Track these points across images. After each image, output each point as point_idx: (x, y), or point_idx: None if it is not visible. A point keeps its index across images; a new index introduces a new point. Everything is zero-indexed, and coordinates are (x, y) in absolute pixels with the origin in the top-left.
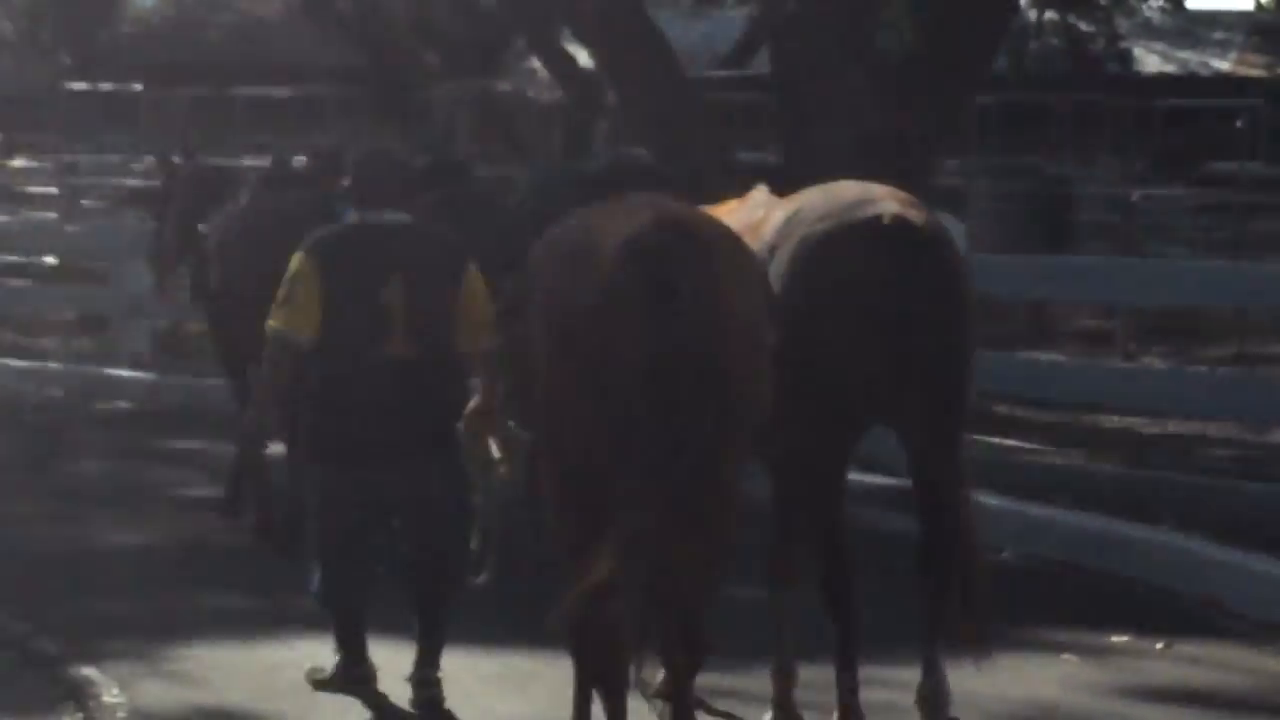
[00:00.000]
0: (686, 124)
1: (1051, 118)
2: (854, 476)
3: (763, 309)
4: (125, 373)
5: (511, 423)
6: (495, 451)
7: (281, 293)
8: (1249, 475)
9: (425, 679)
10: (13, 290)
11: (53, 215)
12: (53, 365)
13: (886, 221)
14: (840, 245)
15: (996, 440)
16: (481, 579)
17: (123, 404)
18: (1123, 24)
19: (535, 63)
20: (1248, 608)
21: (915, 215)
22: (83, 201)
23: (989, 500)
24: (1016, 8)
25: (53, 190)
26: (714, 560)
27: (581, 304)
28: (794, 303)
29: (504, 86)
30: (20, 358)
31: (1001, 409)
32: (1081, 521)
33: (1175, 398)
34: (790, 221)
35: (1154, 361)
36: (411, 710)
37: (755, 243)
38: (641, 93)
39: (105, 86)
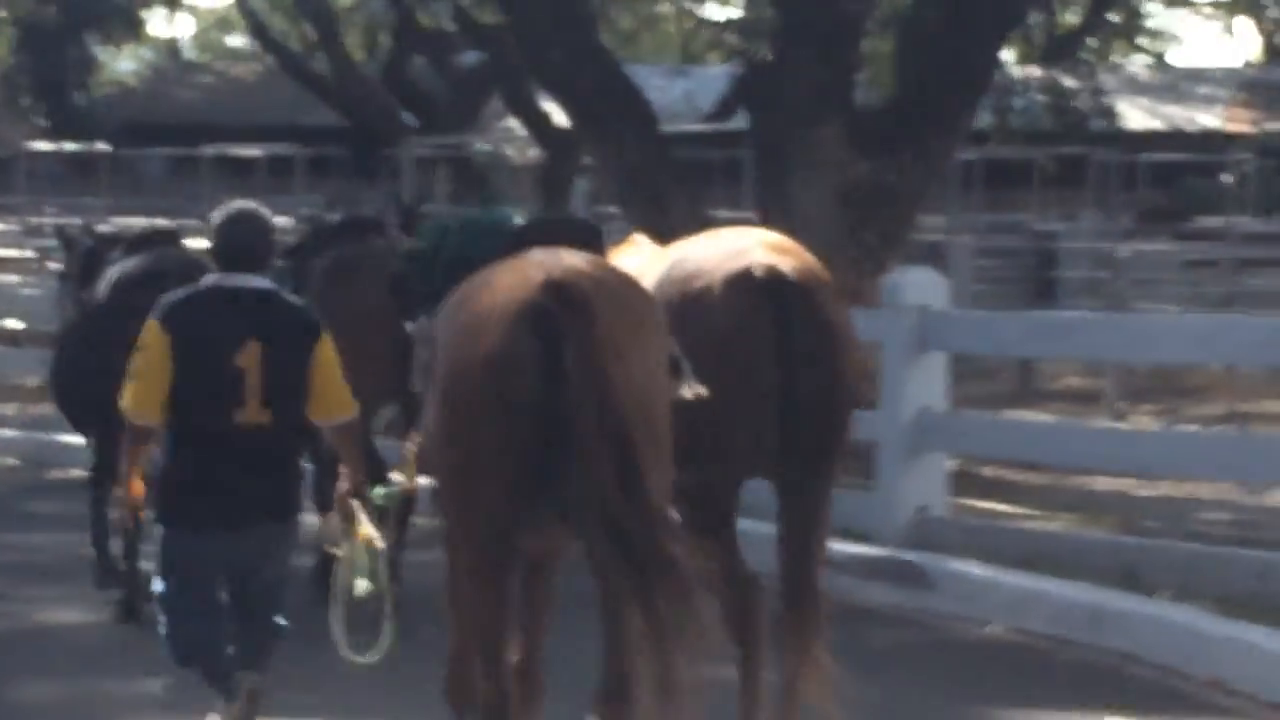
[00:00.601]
0: (661, 180)
1: (1036, 173)
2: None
3: (660, 360)
4: (81, 440)
5: (379, 489)
6: (370, 530)
7: (133, 365)
8: (1247, 541)
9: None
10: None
11: (15, 278)
12: (7, 432)
13: (758, 274)
14: (713, 299)
15: (983, 504)
16: (372, 657)
17: (78, 472)
18: (1108, 79)
19: (513, 121)
20: (1254, 687)
21: (788, 264)
22: (49, 264)
23: (974, 570)
24: (999, 62)
25: (23, 253)
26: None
27: (472, 372)
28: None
29: (481, 145)
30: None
31: (987, 471)
32: (1073, 593)
33: (1167, 459)
34: (669, 274)
35: (1144, 421)
36: None
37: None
38: (616, 149)
39: (69, 146)
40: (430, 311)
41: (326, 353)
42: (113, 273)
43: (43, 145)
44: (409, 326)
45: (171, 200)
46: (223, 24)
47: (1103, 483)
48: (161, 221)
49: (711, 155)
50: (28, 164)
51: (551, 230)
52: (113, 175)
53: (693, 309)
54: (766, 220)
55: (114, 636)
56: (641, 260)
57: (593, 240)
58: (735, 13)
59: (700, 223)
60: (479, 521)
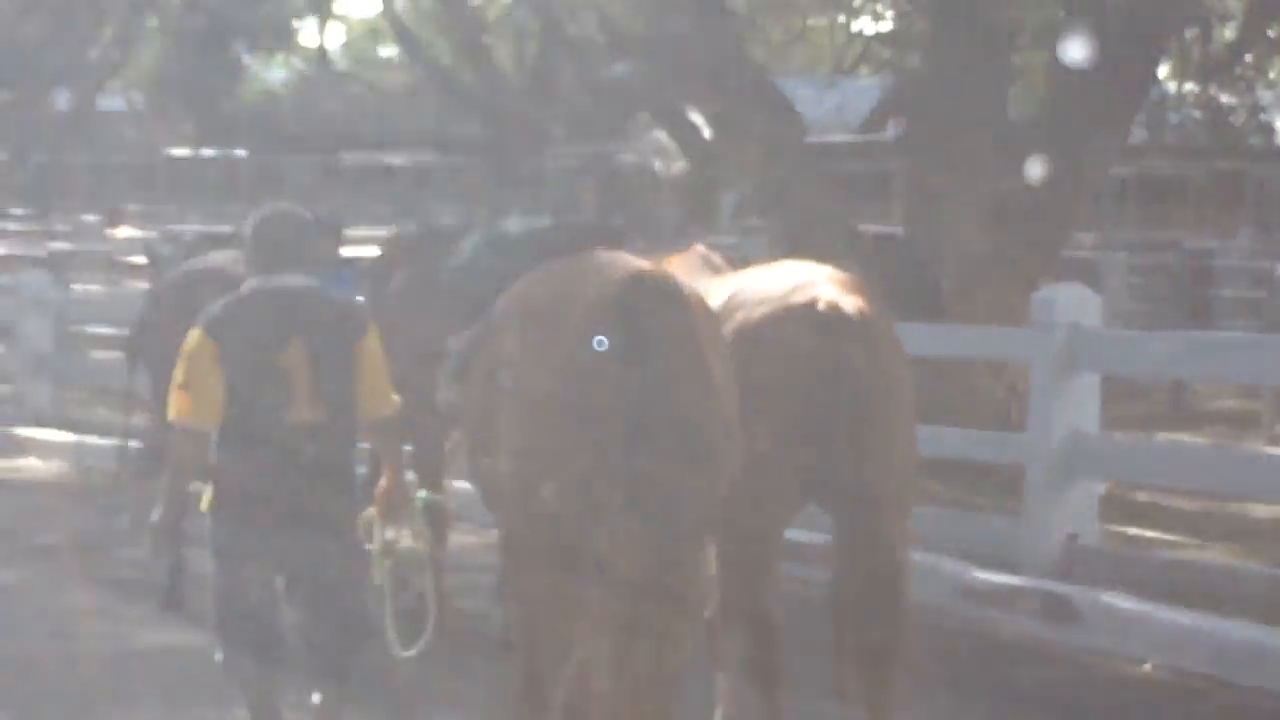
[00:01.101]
0: (807, 192)
1: (1191, 190)
2: None
3: (730, 368)
4: None
5: (424, 492)
6: (409, 532)
7: (180, 375)
8: None
9: (325, 700)
10: (104, 362)
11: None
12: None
13: (820, 308)
14: (775, 330)
15: (1134, 531)
16: (412, 651)
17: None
18: (1265, 95)
19: (660, 133)
20: None
21: (849, 301)
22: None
23: (1126, 603)
24: (1155, 78)
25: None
26: (685, 625)
27: (557, 360)
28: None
29: (627, 156)
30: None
31: (1140, 497)
32: (1232, 629)
33: None
34: (730, 302)
35: None
36: None
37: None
38: (761, 160)
39: (208, 152)
40: (469, 325)
41: (372, 347)
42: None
43: (181, 151)
44: (451, 341)
45: (310, 208)
46: (374, 34)
47: (1260, 510)
48: (222, 228)
49: (861, 168)
50: (169, 170)
51: (580, 234)
52: (257, 183)
53: (753, 337)
54: (913, 234)
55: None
56: (698, 278)
57: (618, 244)
58: (887, 25)
59: (846, 235)
60: (559, 522)
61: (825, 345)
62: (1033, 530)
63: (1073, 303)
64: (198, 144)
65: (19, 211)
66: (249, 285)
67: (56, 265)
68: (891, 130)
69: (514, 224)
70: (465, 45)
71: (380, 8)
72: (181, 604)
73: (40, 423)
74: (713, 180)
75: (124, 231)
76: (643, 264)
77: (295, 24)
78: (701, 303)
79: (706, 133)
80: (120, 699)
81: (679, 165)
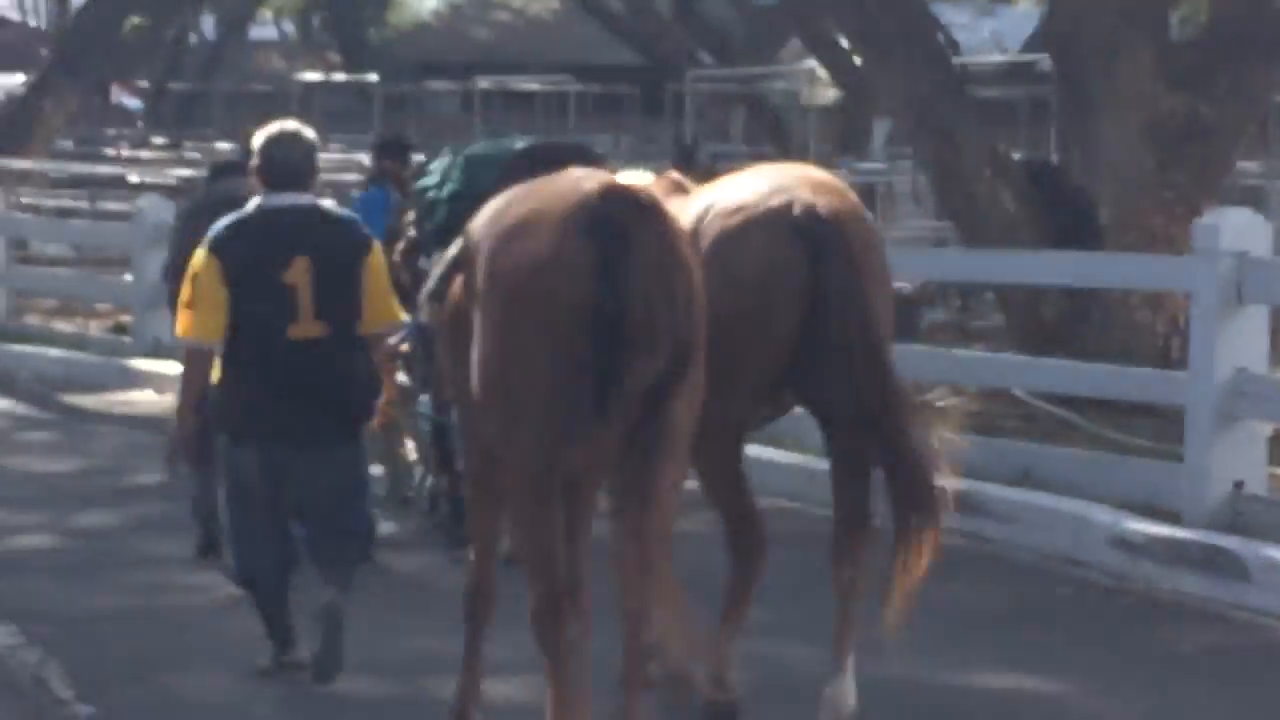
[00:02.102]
0: (954, 114)
1: None
2: None
3: (701, 286)
4: None
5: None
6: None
7: (185, 293)
8: None
9: (330, 602)
10: None
11: None
12: None
13: (795, 211)
14: (751, 237)
15: None
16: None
17: None
18: None
19: (812, 61)
20: None
21: (824, 202)
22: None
23: None
24: None
25: None
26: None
27: (530, 264)
28: (717, 289)
29: (777, 84)
30: None
31: None
32: None
33: None
34: (707, 211)
35: None
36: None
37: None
38: (906, 81)
39: (339, 78)
40: (442, 246)
41: (376, 263)
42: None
43: (314, 76)
44: (422, 261)
45: (447, 135)
46: None
47: None
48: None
49: (1017, 95)
50: (305, 97)
51: (553, 153)
52: (390, 109)
53: (731, 243)
54: (1068, 160)
55: None
56: (673, 195)
57: (595, 164)
58: None
59: (995, 160)
60: (532, 428)
61: (802, 246)
62: (1194, 477)
63: (1240, 229)
64: (344, 72)
65: (158, 140)
66: (254, 204)
67: (182, 193)
68: (1048, 56)
69: (486, 146)
70: None
71: None
72: (218, 548)
73: (157, 354)
74: (864, 109)
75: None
76: (613, 177)
77: None
78: (671, 215)
79: (858, 59)
80: (179, 659)
81: (830, 93)
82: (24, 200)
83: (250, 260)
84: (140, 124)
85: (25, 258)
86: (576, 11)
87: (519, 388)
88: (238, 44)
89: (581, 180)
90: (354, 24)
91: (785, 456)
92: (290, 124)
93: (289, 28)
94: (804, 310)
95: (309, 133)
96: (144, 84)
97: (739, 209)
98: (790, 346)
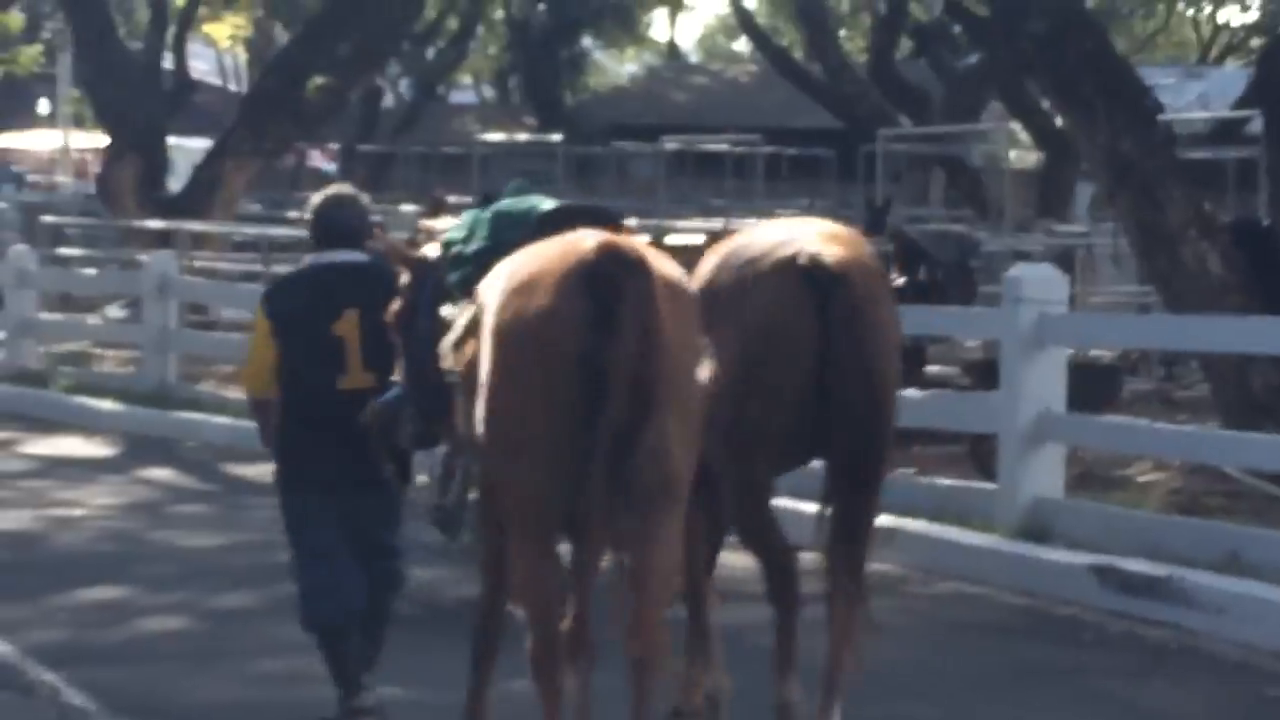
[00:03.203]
0: (1157, 173)
1: None
2: None
3: (696, 340)
4: None
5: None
6: None
7: (249, 351)
8: None
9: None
10: None
11: None
12: None
13: (801, 261)
14: (760, 282)
15: None
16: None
17: None
18: None
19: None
20: None
21: (831, 252)
22: None
23: None
24: None
25: None
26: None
27: (529, 318)
28: (728, 340)
29: (978, 147)
30: None
31: None
32: None
33: None
34: (726, 259)
35: None
36: None
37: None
38: (1109, 139)
39: (521, 138)
40: (466, 297)
41: None
42: None
43: (497, 137)
44: (446, 309)
45: (639, 197)
46: (728, 29)
47: None
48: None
49: (1225, 156)
50: (487, 159)
51: (575, 216)
52: (590, 173)
53: (741, 292)
54: (1278, 220)
55: None
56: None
57: (613, 226)
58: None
59: (1202, 221)
60: (530, 472)
61: (807, 295)
62: None
63: None
64: (544, 135)
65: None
66: (307, 261)
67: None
68: (1259, 114)
69: (512, 204)
70: (814, 34)
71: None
72: None
73: None
74: (1065, 172)
75: (443, 221)
76: (613, 237)
77: (644, 19)
78: (666, 273)
79: (1059, 121)
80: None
81: (1031, 156)
82: (199, 264)
83: (301, 315)
84: None
85: (203, 322)
86: (774, 75)
87: (518, 434)
88: (435, 108)
89: (581, 240)
90: (550, 88)
91: (969, 537)
92: (344, 189)
93: (489, 92)
94: (812, 358)
95: (359, 197)
96: (335, 146)
97: (749, 260)
98: (802, 395)
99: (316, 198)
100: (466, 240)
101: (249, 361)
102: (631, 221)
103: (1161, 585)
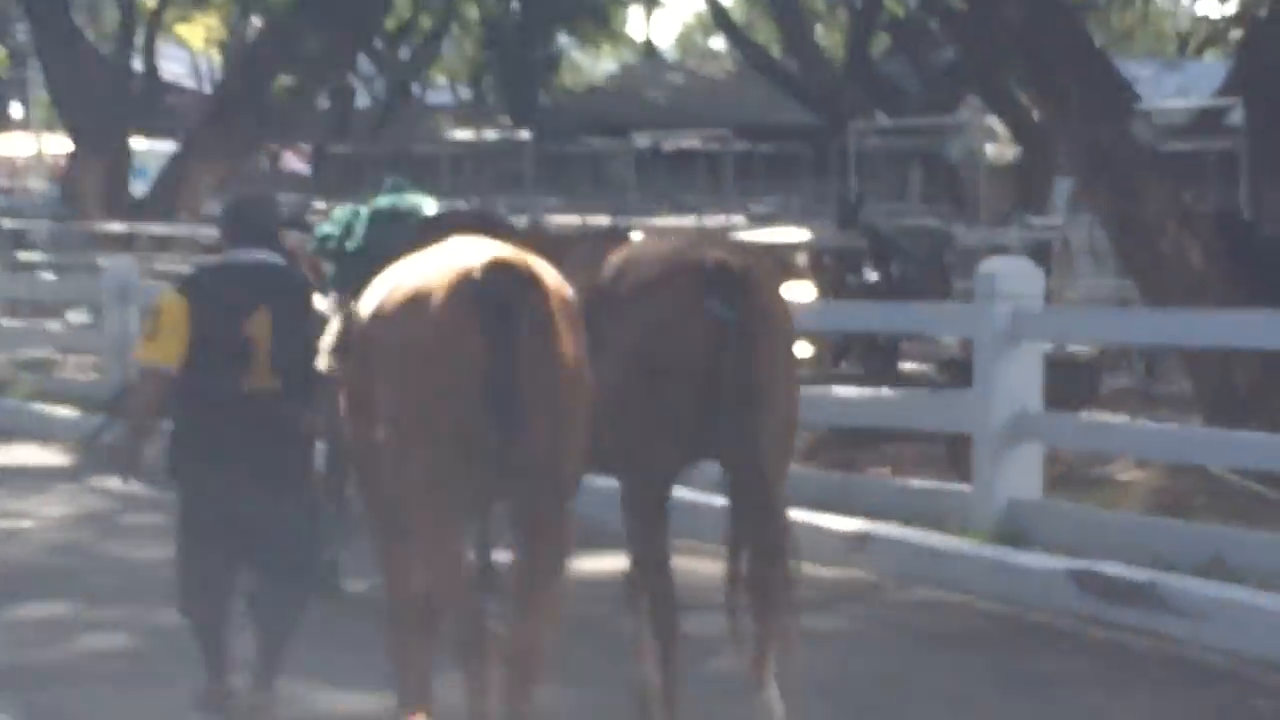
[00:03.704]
0: (1133, 165)
1: None
2: None
3: (582, 347)
4: None
5: None
6: None
7: (148, 327)
8: None
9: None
10: None
11: None
12: None
13: (707, 265)
14: (662, 285)
15: None
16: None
17: None
18: None
19: (991, 119)
20: None
21: (735, 260)
22: None
23: None
24: None
25: None
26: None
27: (418, 339)
28: (626, 342)
29: (955, 141)
30: None
31: None
32: None
33: None
34: (625, 263)
35: None
36: None
37: (589, 283)
38: (1084, 130)
39: (490, 136)
40: (340, 291)
41: (317, 314)
42: None
43: (464, 135)
44: (321, 301)
45: (611, 194)
46: (706, 27)
47: None
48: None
49: (1204, 147)
50: (458, 157)
51: (460, 221)
52: (562, 171)
53: (642, 293)
54: (1260, 214)
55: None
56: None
57: (501, 233)
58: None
59: (1181, 213)
60: (437, 484)
61: (707, 299)
62: None
63: None
64: (513, 133)
65: (319, 204)
66: (222, 256)
67: None
68: (1237, 110)
69: (391, 201)
70: (790, 30)
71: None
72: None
73: None
74: (1043, 166)
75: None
76: (502, 248)
77: (620, 17)
78: (552, 280)
79: (1036, 115)
80: None
81: (1009, 151)
82: (161, 268)
83: (216, 306)
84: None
85: None
86: (751, 72)
87: (420, 455)
88: (410, 108)
89: (465, 254)
90: (525, 87)
91: (943, 541)
92: (257, 189)
93: (466, 93)
94: (710, 356)
95: (273, 197)
96: (307, 147)
97: (655, 260)
98: (696, 393)
99: (230, 197)
100: (341, 238)
101: (155, 331)
102: (608, 220)
103: (1143, 590)
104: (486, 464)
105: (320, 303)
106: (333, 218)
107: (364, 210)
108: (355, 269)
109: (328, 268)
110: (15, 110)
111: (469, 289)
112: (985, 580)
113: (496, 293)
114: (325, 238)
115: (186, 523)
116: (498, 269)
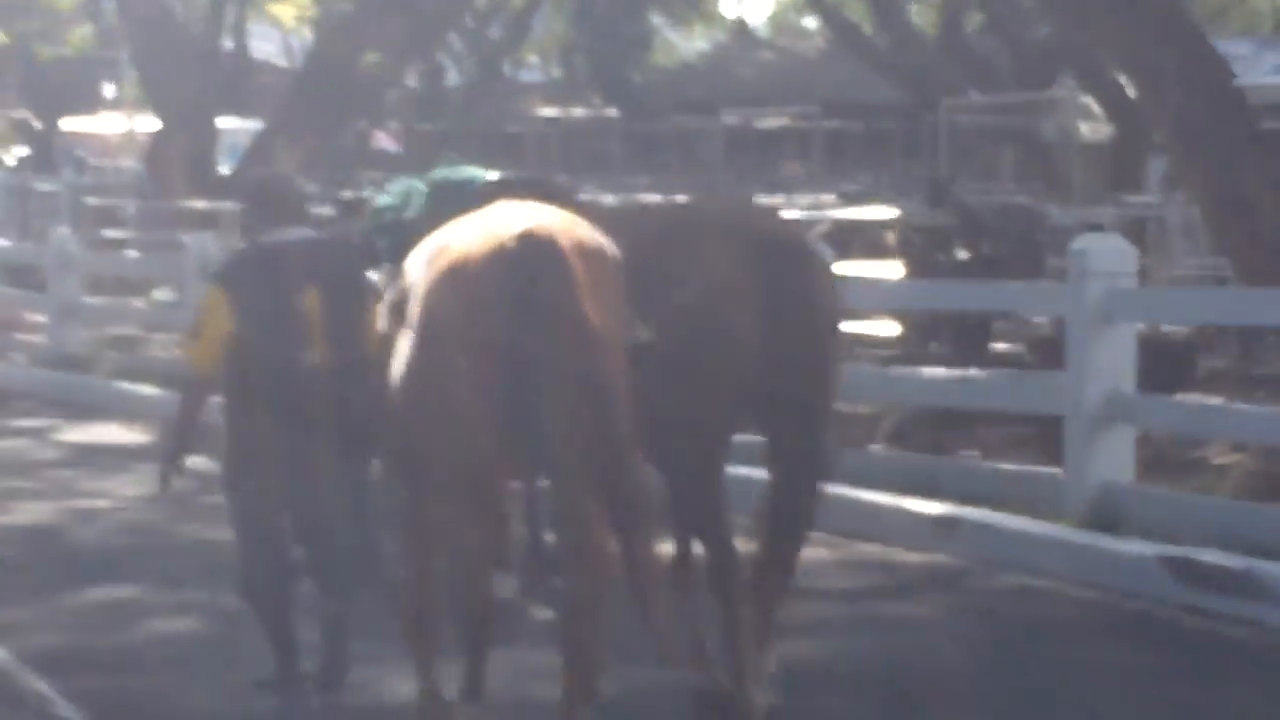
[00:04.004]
0: (1229, 144)
1: None
2: None
3: (620, 312)
4: None
5: None
6: None
7: (194, 324)
8: None
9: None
10: None
11: None
12: None
13: (514, 238)
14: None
15: None
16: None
17: None
18: None
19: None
20: None
21: (544, 230)
22: None
23: None
24: None
25: None
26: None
27: (450, 304)
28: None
29: (1049, 120)
30: None
31: None
32: None
33: None
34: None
35: None
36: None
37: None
38: (1178, 109)
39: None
40: (395, 264)
41: (371, 289)
42: None
43: (550, 112)
44: (373, 275)
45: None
46: (798, 5)
47: None
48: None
49: None
50: (545, 135)
51: (519, 189)
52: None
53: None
54: None
55: None
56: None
57: (561, 200)
58: None
59: (1276, 190)
60: (456, 454)
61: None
62: None
63: None
64: (601, 111)
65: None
66: (257, 240)
67: None
68: None
69: (450, 173)
70: (881, 8)
71: None
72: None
73: None
74: (1138, 145)
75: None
76: (537, 218)
77: None
78: (588, 248)
79: (1131, 93)
80: None
81: (1103, 129)
82: (242, 245)
83: (262, 291)
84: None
85: None
86: (841, 50)
87: (443, 417)
88: (502, 86)
89: (502, 223)
90: (616, 66)
91: (1033, 526)
92: (279, 169)
93: (558, 72)
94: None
95: (295, 176)
96: (395, 126)
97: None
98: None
99: (252, 179)
100: (400, 209)
101: (199, 337)
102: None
103: (1239, 578)
104: (510, 436)
105: (374, 277)
106: (390, 190)
107: (419, 183)
108: (413, 239)
109: (383, 241)
110: (108, 90)
111: (501, 259)
112: (1076, 567)
113: (526, 260)
114: (383, 209)
115: (245, 505)
116: (529, 237)
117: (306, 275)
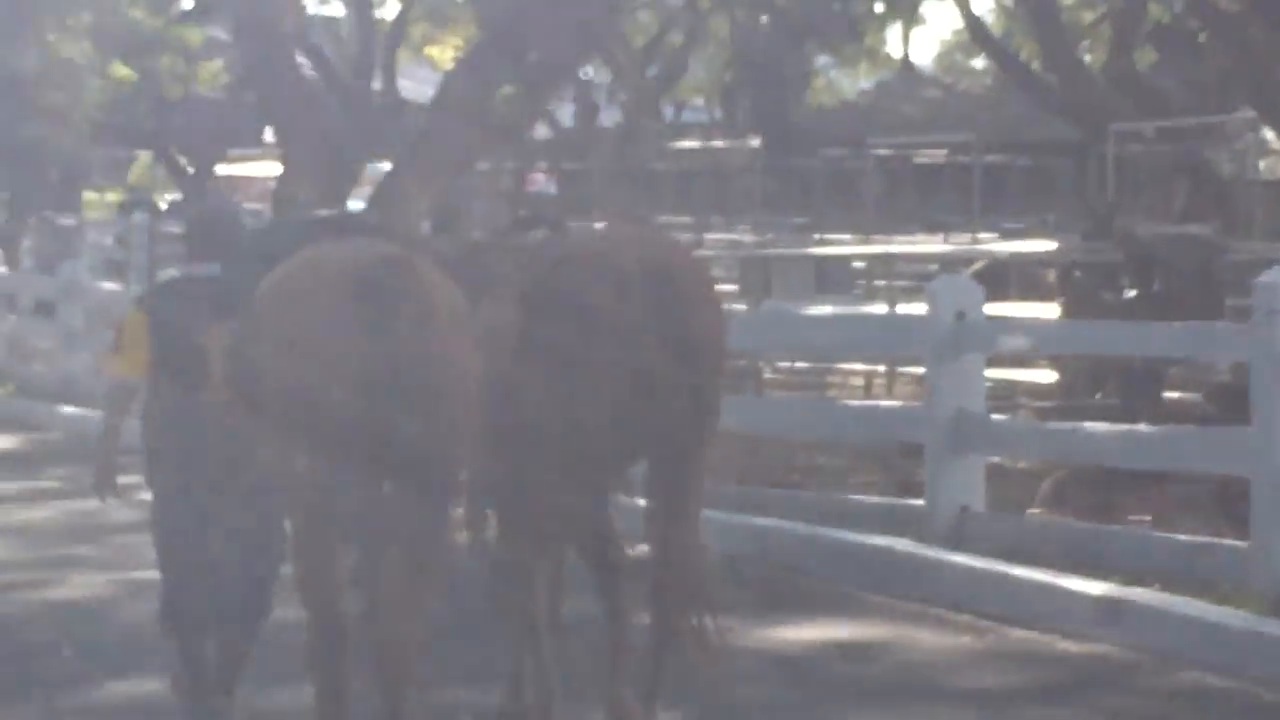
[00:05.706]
0: None
1: None
2: None
3: (468, 340)
4: None
5: None
6: None
7: (114, 341)
8: None
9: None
10: None
11: None
12: None
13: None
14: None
15: None
16: None
17: None
18: None
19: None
20: None
21: (382, 263)
22: None
23: None
24: None
25: None
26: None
27: (307, 330)
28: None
29: (1224, 155)
30: None
31: None
32: None
33: None
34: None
35: None
36: None
37: None
38: None
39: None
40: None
41: None
42: None
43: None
44: (224, 331)
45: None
46: (965, 46)
47: None
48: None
49: None
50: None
51: (343, 226)
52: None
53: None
54: None
55: None
56: None
57: (374, 235)
58: None
59: None
60: (313, 477)
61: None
62: None
63: None
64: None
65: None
66: (179, 271)
67: None
68: None
69: (289, 219)
70: (1049, 43)
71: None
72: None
73: None
74: None
75: None
76: (385, 246)
77: (878, 35)
78: (439, 280)
79: None
80: None
81: None
82: None
83: (174, 322)
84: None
85: None
86: (1008, 86)
87: (305, 434)
88: (660, 127)
89: (352, 252)
90: (776, 104)
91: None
92: (217, 200)
93: (718, 111)
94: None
95: (233, 207)
96: (545, 166)
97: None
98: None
99: (193, 209)
100: (245, 254)
101: (122, 347)
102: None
103: None
104: (364, 456)
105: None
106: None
107: (263, 226)
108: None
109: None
110: (268, 134)
111: (354, 282)
112: (1266, 661)
113: (375, 284)
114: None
115: (163, 527)
116: (381, 263)
117: (213, 312)
